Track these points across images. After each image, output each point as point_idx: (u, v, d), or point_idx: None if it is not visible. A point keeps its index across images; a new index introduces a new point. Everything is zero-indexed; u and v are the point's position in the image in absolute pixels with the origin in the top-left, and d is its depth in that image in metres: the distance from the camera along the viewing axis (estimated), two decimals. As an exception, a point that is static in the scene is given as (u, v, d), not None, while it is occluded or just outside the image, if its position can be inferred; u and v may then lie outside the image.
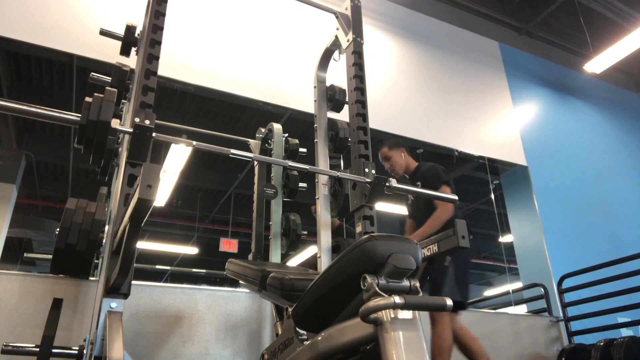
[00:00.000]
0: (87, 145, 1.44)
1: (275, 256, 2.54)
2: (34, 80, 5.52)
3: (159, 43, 1.77)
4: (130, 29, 2.13)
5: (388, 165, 2.87)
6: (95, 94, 1.43)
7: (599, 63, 4.83)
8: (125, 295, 1.35)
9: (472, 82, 4.62)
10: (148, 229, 9.26)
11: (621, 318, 3.48)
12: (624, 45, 4.53)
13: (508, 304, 4.19)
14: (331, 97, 2.51)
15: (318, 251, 2.11)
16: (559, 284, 3.56)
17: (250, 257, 2.63)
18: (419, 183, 2.71)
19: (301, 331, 1.41)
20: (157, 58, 1.74)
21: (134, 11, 2.63)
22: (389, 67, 4.19)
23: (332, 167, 2.41)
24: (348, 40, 2.31)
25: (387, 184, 1.94)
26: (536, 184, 4.39)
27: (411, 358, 0.92)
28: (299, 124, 4.63)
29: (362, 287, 1.00)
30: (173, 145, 4.58)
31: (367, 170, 1.98)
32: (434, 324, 2.41)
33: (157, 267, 10.78)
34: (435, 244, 1.73)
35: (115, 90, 1.50)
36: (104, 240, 1.70)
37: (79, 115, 1.41)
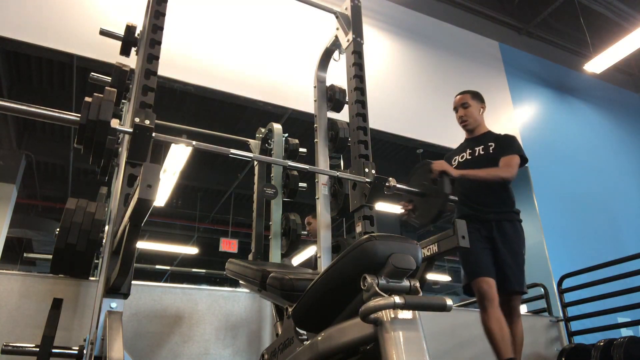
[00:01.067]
0: (87, 145, 1.44)
1: (275, 256, 2.54)
2: (34, 80, 5.52)
3: (159, 43, 1.77)
4: (130, 29, 2.13)
5: (462, 113, 2.70)
6: (95, 94, 1.43)
7: (599, 63, 4.83)
8: (125, 295, 1.35)
9: (472, 82, 4.61)
10: (148, 229, 9.28)
11: (621, 318, 3.48)
12: (624, 45, 4.53)
13: (508, 304, 4.19)
14: (331, 97, 2.51)
15: (318, 251, 2.11)
16: (559, 284, 3.56)
17: (250, 257, 2.63)
18: (491, 144, 2.60)
19: (301, 331, 1.41)
20: (157, 58, 1.74)
21: (134, 11, 2.63)
22: (389, 67, 4.19)
23: (332, 167, 2.41)
24: (348, 40, 2.31)
25: (387, 184, 1.94)
26: (536, 184, 4.39)
27: (411, 358, 0.92)
28: (299, 124, 4.63)
29: (362, 287, 1.00)
30: (173, 145, 4.58)
31: (367, 170, 1.98)
32: (514, 320, 2.40)
33: (157, 267, 10.80)
34: (435, 244, 1.73)
35: (115, 90, 1.50)
36: (104, 240, 1.70)
37: (79, 115, 1.42)
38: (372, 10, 4.26)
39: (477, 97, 2.75)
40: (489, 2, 5.38)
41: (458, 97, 2.76)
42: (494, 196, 2.53)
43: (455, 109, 2.76)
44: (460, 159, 2.71)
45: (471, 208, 2.53)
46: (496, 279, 2.39)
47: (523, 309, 4.12)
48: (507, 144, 2.59)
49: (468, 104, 2.71)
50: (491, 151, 2.58)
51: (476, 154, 2.63)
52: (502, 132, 2.71)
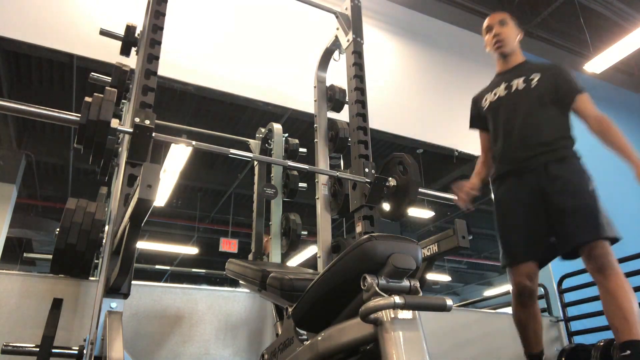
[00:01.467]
0: (87, 145, 1.44)
1: (275, 256, 2.54)
2: (34, 80, 5.53)
3: (159, 43, 1.77)
4: (130, 29, 2.13)
5: (498, 30, 2.22)
6: (95, 94, 1.43)
7: (599, 63, 4.83)
8: (125, 295, 1.35)
9: (472, 82, 4.59)
10: (148, 229, 9.28)
11: (621, 318, 3.47)
12: (624, 45, 4.53)
13: (508, 304, 4.19)
14: (331, 97, 2.51)
15: (318, 251, 2.11)
16: (559, 284, 3.56)
17: (250, 257, 2.63)
18: (535, 75, 2.13)
19: (301, 331, 1.41)
20: (157, 58, 1.74)
21: (134, 11, 2.63)
22: (389, 67, 4.18)
23: (332, 167, 2.41)
24: (348, 40, 2.31)
25: (386, 184, 1.94)
26: (536, 184, 4.38)
27: (411, 358, 0.92)
28: (299, 124, 4.63)
29: (362, 287, 1.00)
30: (173, 145, 4.58)
31: (367, 170, 1.98)
32: (604, 274, 1.84)
33: (157, 267, 10.80)
34: (435, 244, 1.73)
35: (115, 90, 1.50)
36: (104, 240, 1.70)
37: (79, 115, 1.42)
38: (372, 10, 4.26)
39: (515, 20, 2.29)
40: (489, 2, 5.38)
41: (493, 15, 2.29)
42: (542, 135, 2.05)
43: (489, 27, 2.26)
44: (492, 98, 2.24)
45: (509, 162, 2.11)
46: (558, 235, 1.94)
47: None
48: (562, 77, 2.08)
49: (506, 22, 2.24)
50: (535, 84, 2.09)
51: (513, 89, 2.15)
52: None
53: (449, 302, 0.98)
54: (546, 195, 1.98)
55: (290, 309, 1.44)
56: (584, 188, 1.98)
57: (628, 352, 1.70)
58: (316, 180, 2.27)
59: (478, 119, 2.44)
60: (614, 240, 1.97)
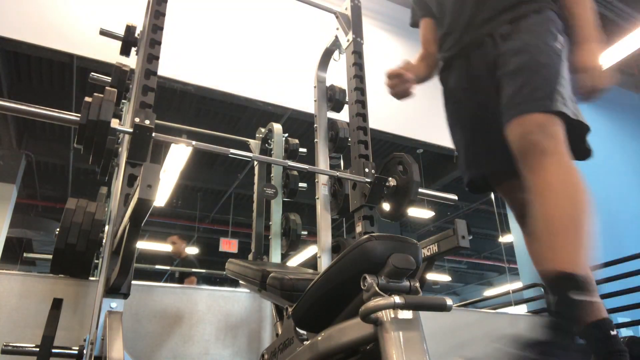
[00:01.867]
0: (86, 145, 1.44)
1: (275, 256, 2.54)
2: (34, 80, 5.53)
3: (159, 43, 1.77)
4: (130, 29, 2.13)
5: None
6: (95, 94, 1.43)
7: (599, 63, 4.83)
8: (125, 295, 1.35)
9: (472, 82, 4.63)
10: (148, 229, 9.29)
11: (621, 318, 3.48)
12: (624, 45, 4.53)
13: (508, 304, 4.19)
14: (331, 97, 2.52)
15: (318, 251, 2.11)
16: (559, 284, 3.56)
17: (250, 257, 2.63)
18: None
19: (301, 331, 1.41)
20: (157, 58, 1.74)
21: (134, 11, 2.63)
22: (389, 67, 4.18)
23: (332, 167, 2.41)
24: (348, 40, 2.31)
25: (386, 184, 1.94)
26: (536, 184, 4.38)
27: (411, 358, 0.92)
28: (299, 124, 4.64)
29: (362, 287, 1.00)
30: (173, 145, 4.58)
31: (367, 170, 1.98)
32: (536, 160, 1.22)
33: (157, 267, 10.81)
34: (435, 244, 1.73)
35: (115, 90, 1.50)
36: (104, 240, 1.70)
37: (79, 115, 1.41)
38: (372, 10, 4.27)
39: None
40: (489, 2, 5.38)
41: None
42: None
43: None
44: None
45: (456, 39, 1.68)
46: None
47: (523, 309, 4.11)
48: None
49: None
50: None
51: None
52: None
53: (449, 302, 0.98)
54: (497, 70, 1.41)
55: (290, 309, 1.44)
56: (537, 43, 1.33)
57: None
58: (316, 180, 2.27)
59: (422, 2, 2.05)
60: (563, 119, 1.31)
